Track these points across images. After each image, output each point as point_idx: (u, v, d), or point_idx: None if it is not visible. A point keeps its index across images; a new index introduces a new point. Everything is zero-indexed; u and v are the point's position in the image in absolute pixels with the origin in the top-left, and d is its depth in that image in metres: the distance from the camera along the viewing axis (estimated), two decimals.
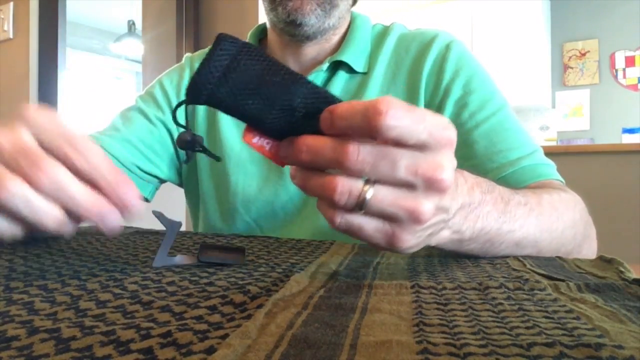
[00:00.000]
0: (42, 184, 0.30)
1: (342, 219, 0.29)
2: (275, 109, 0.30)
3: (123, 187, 0.32)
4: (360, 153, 0.27)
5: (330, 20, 0.66)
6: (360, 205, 0.28)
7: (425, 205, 0.29)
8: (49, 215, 0.31)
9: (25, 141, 0.31)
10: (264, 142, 0.32)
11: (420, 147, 0.28)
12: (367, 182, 0.28)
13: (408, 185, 0.29)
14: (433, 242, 0.35)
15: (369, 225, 0.30)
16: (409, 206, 0.29)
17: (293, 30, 0.66)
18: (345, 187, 0.28)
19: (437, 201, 0.30)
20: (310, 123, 0.30)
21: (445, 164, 0.29)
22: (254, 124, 0.31)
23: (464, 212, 0.36)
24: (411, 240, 0.31)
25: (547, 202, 0.47)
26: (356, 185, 0.28)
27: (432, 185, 0.29)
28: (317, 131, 0.30)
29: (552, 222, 0.46)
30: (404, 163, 0.28)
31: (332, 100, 0.30)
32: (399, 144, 0.28)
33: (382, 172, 0.28)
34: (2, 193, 0.30)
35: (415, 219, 0.29)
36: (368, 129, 0.27)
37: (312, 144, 0.29)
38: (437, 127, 0.28)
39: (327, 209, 0.30)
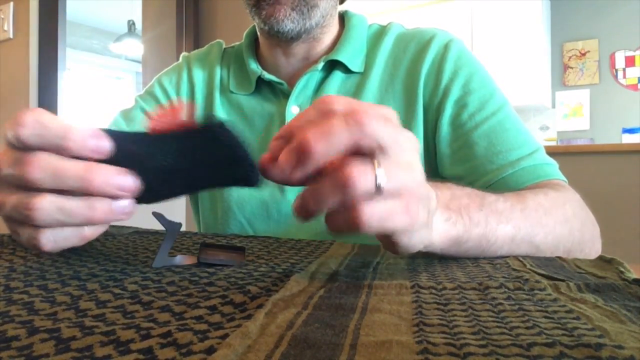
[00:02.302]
0: (39, 180, 0.29)
1: (370, 214, 0.27)
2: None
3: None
4: (371, 117, 0.27)
5: (311, 21, 0.65)
6: (379, 183, 0.27)
7: (406, 155, 0.29)
8: (93, 209, 0.30)
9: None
10: None
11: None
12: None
13: (380, 148, 0.28)
14: (436, 239, 0.36)
15: (393, 206, 0.28)
16: (404, 159, 0.29)
17: (271, 31, 0.65)
18: (361, 166, 0.27)
19: (409, 151, 0.30)
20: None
21: (388, 116, 0.30)
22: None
23: (441, 202, 0.37)
24: (421, 210, 0.30)
25: (531, 199, 0.47)
26: (367, 161, 0.27)
27: (399, 145, 0.29)
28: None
29: (540, 217, 0.46)
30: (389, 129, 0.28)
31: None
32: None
33: (380, 134, 0.27)
34: (35, 213, 0.30)
35: (412, 169, 0.29)
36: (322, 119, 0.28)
37: (315, 131, 0.27)
38: (370, 107, 0.29)
39: (346, 218, 0.28)
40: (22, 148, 0.30)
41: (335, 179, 0.27)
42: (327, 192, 0.27)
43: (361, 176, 0.27)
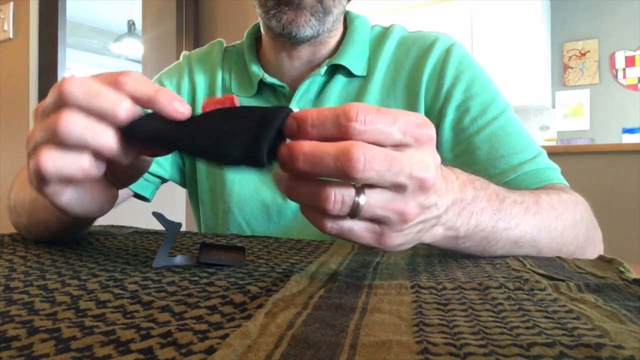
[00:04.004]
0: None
1: (333, 224, 0.29)
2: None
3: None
4: (366, 161, 0.26)
5: (324, 27, 0.65)
6: (353, 213, 0.28)
7: (411, 204, 0.30)
8: (115, 109, 0.33)
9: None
10: None
11: (399, 148, 0.29)
12: (358, 188, 0.28)
13: (399, 187, 0.29)
14: (427, 239, 0.35)
15: (359, 227, 0.30)
16: (398, 208, 0.29)
17: (288, 36, 0.66)
18: (339, 196, 0.28)
19: (423, 200, 0.30)
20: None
21: (429, 162, 0.29)
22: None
23: (456, 208, 0.36)
24: (399, 238, 0.31)
25: (546, 201, 0.46)
26: (349, 193, 0.28)
27: (420, 185, 0.29)
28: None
29: (551, 221, 0.45)
30: (405, 165, 0.28)
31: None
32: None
33: (387, 178, 0.28)
34: (62, 124, 0.31)
35: (403, 219, 0.30)
36: (340, 136, 0.27)
37: (310, 151, 0.27)
38: (411, 126, 0.29)
39: (316, 217, 0.30)
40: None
41: (316, 192, 0.28)
42: (305, 195, 0.29)
43: (338, 201, 0.28)
